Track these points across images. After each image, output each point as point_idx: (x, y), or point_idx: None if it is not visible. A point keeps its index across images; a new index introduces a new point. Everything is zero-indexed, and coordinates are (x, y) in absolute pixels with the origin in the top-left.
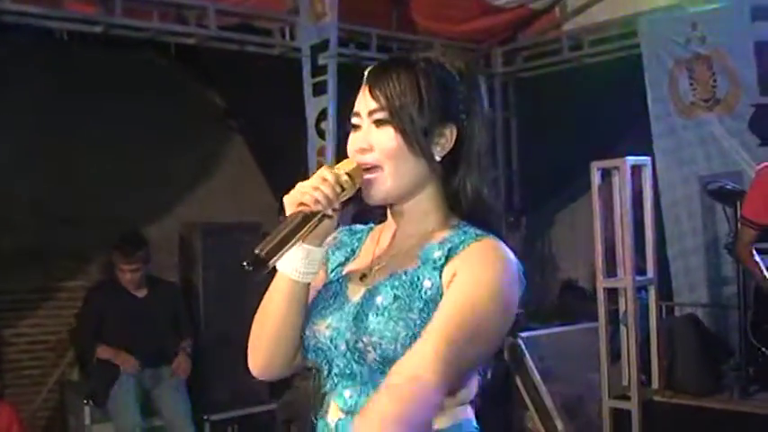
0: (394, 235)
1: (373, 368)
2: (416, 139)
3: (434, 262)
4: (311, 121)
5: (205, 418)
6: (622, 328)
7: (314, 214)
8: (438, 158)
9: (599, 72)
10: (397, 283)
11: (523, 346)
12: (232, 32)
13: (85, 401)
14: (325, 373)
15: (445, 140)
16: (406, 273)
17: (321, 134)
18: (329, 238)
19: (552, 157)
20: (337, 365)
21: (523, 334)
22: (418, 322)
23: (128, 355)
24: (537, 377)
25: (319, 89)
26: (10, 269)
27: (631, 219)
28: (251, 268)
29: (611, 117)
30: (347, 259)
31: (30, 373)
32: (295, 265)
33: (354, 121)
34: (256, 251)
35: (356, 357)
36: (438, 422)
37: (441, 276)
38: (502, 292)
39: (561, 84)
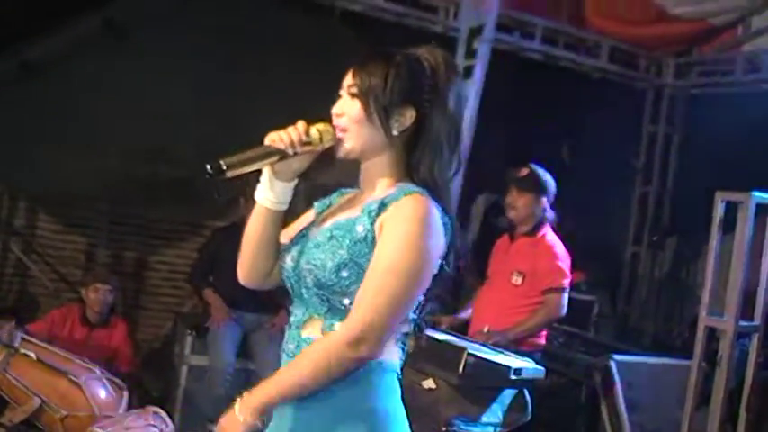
0: (359, 192)
1: (312, 291)
2: (376, 112)
3: (370, 213)
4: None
5: None
6: (717, 371)
7: (278, 151)
8: (395, 133)
9: None
10: (336, 226)
11: (615, 370)
12: (398, 4)
13: (189, 332)
14: (291, 294)
15: (404, 119)
16: (347, 220)
17: None
18: (325, 198)
19: (711, 181)
20: (294, 288)
21: (617, 357)
22: (345, 257)
23: (223, 313)
24: (622, 405)
25: (469, 72)
26: (167, 200)
27: (748, 259)
28: (211, 173)
29: None
30: (323, 211)
31: (166, 300)
32: (265, 194)
33: (340, 92)
34: (221, 161)
35: (303, 281)
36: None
37: (372, 224)
38: (420, 246)
39: (733, 106)
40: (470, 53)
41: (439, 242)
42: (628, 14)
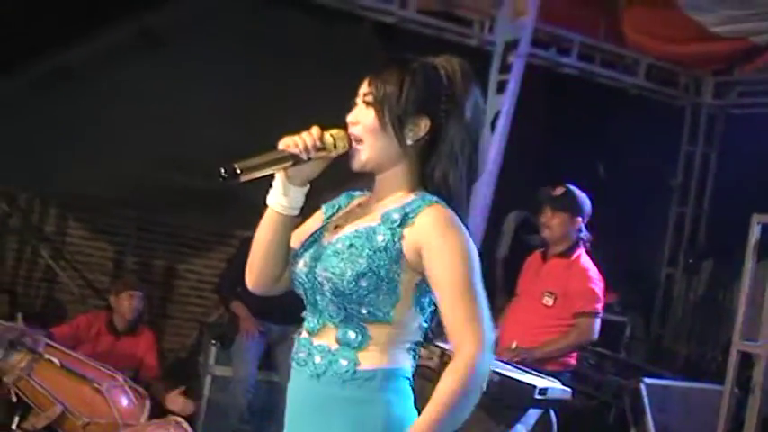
0: (371, 198)
1: (328, 299)
2: (390, 122)
3: (392, 222)
4: (488, 118)
5: None
6: (751, 397)
7: (291, 155)
8: (410, 142)
9: None
10: (356, 235)
11: (645, 393)
12: (432, 17)
13: (213, 342)
14: (305, 301)
15: (418, 129)
16: (366, 228)
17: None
18: (334, 199)
19: (748, 203)
20: (307, 295)
21: (648, 380)
22: (364, 266)
23: (252, 325)
24: (651, 429)
25: (502, 87)
26: (196, 209)
27: None
28: (225, 177)
29: None
30: (333, 214)
31: (192, 310)
32: (277, 199)
33: (356, 100)
34: (234, 165)
35: (318, 289)
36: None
37: (394, 235)
38: (469, 253)
39: None
40: (505, 67)
41: (474, 246)
42: (667, 32)
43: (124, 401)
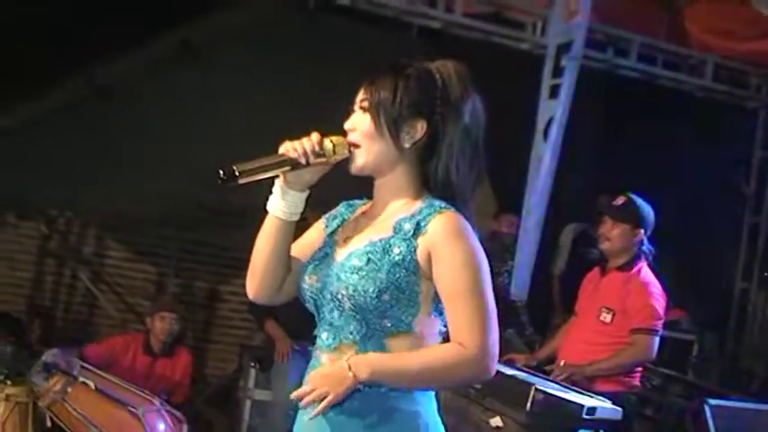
0: (375, 206)
1: (348, 315)
2: (386, 125)
3: (405, 233)
4: (540, 125)
5: None
6: None
7: (290, 160)
8: (407, 145)
9: None
10: (372, 249)
11: (709, 415)
12: (480, 21)
13: (253, 365)
14: (316, 317)
15: (414, 131)
16: (381, 240)
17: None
18: (334, 210)
19: None
20: (323, 312)
21: (712, 402)
22: (385, 281)
23: (286, 345)
24: None
25: (556, 92)
26: (238, 226)
27: None
28: (224, 178)
29: None
30: (339, 226)
31: (236, 333)
32: (277, 204)
33: (353, 107)
34: (234, 167)
35: (337, 306)
36: None
37: (409, 246)
38: (477, 261)
39: None
40: (557, 71)
41: (483, 252)
42: (735, 28)
43: (161, 426)
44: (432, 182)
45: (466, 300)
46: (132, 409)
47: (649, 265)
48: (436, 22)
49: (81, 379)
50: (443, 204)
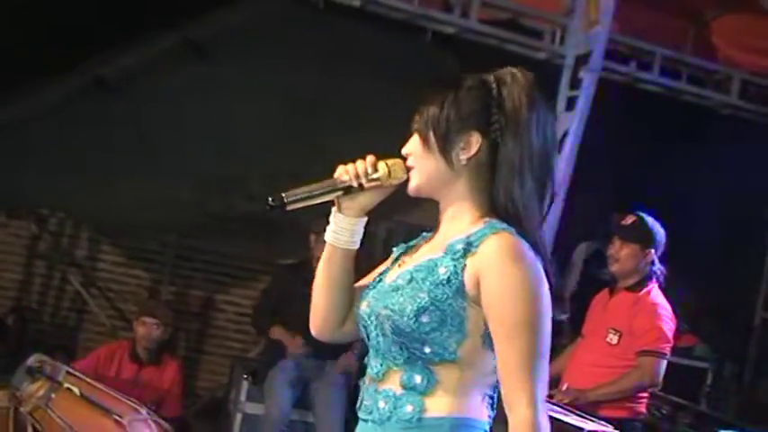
0: (437, 230)
1: (390, 339)
2: (435, 142)
3: (455, 253)
4: (556, 137)
5: None
6: None
7: (342, 184)
8: (463, 161)
9: None
10: (418, 268)
11: None
12: (496, 28)
13: (245, 376)
14: (367, 343)
15: (469, 146)
16: (429, 260)
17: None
18: (410, 242)
19: None
20: (370, 337)
21: None
22: (426, 300)
23: (299, 338)
24: None
25: (572, 104)
26: (238, 235)
27: None
28: (273, 205)
29: None
30: (403, 252)
31: (230, 345)
32: (334, 231)
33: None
34: (282, 194)
35: (380, 329)
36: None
37: (456, 267)
38: (534, 290)
39: None
40: (575, 83)
41: (545, 284)
42: (765, 45)
43: None
44: (495, 200)
45: (513, 337)
46: (118, 418)
47: (661, 287)
48: (450, 28)
49: (66, 385)
50: (503, 226)
